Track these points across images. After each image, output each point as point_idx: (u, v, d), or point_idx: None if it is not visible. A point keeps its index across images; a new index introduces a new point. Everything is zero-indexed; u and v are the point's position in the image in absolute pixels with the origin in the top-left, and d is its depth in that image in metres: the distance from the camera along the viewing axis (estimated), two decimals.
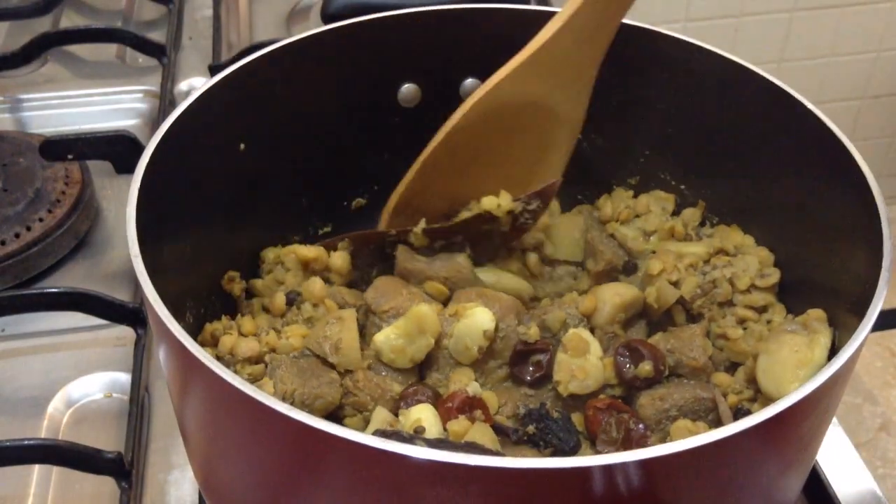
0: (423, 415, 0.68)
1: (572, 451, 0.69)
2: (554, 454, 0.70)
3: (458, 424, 0.68)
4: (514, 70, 0.76)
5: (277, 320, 0.80)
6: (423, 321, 0.73)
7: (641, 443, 0.70)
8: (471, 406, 0.70)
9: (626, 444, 0.70)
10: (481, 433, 0.68)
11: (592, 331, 0.78)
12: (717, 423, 0.72)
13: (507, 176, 0.82)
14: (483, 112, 0.77)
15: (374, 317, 0.78)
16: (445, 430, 0.68)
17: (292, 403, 0.69)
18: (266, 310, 0.82)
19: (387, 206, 0.84)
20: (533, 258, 0.85)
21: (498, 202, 0.79)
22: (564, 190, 0.92)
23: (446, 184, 0.81)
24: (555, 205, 0.92)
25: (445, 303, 0.80)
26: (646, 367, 0.73)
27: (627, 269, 0.85)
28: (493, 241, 0.83)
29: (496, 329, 0.75)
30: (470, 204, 0.81)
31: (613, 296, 0.79)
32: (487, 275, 0.83)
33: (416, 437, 0.64)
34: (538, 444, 0.70)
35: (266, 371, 0.73)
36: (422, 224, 0.81)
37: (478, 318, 0.74)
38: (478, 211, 0.80)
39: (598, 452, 0.70)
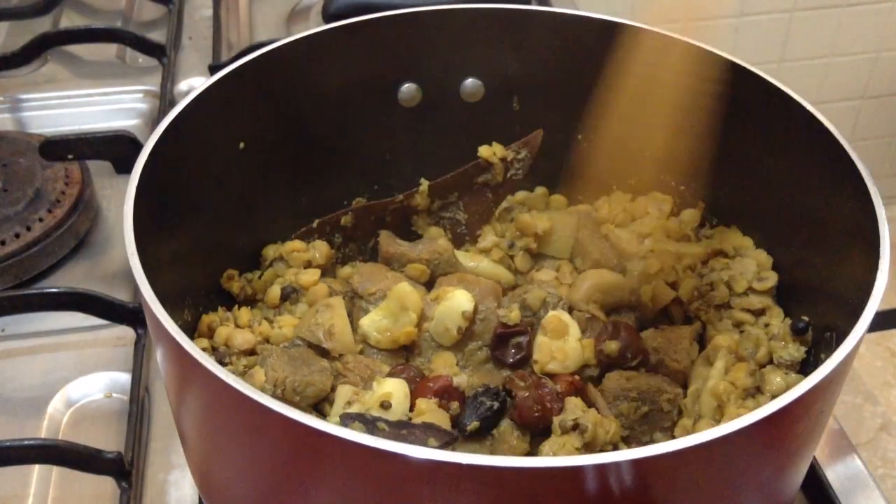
0: (394, 389, 0.69)
1: (498, 412, 0.70)
2: (482, 422, 0.70)
3: (425, 404, 0.69)
4: None
5: (270, 311, 0.81)
6: (405, 298, 0.76)
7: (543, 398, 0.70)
8: (449, 395, 0.71)
9: (539, 401, 0.70)
10: (439, 417, 0.69)
11: (571, 311, 0.78)
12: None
13: None
14: None
15: (361, 301, 0.80)
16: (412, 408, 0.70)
17: (283, 391, 0.70)
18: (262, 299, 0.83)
19: None
20: (520, 251, 0.86)
21: (493, 150, 0.88)
22: (564, 191, 0.93)
23: None
24: (561, 199, 0.93)
25: (428, 285, 0.82)
26: (611, 346, 0.74)
27: (615, 271, 0.85)
28: (486, 198, 0.90)
29: (475, 311, 0.77)
30: None
31: (594, 275, 0.81)
32: (468, 259, 0.85)
33: (378, 419, 0.65)
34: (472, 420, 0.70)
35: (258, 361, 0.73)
36: (425, 183, 0.88)
37: (457, 300, 0.76)
38: (474, 161, 0.88)
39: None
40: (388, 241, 0.85)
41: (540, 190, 0.92)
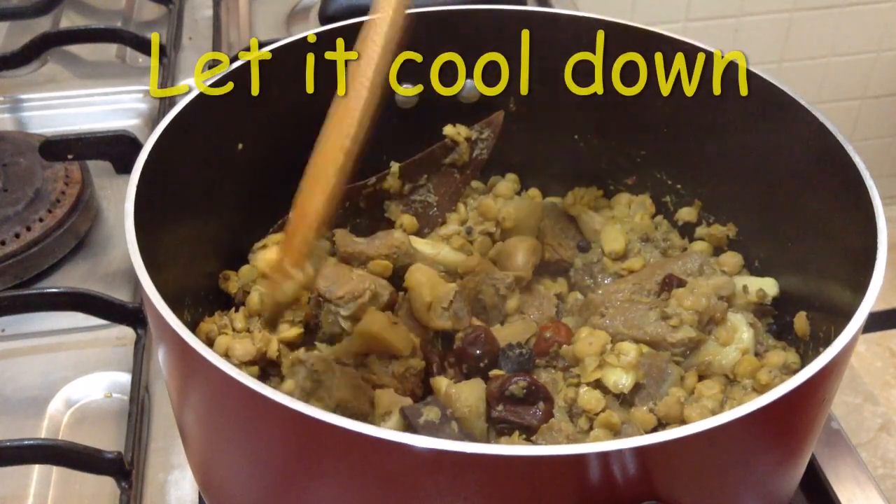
0: None
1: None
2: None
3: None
4: None
5: (256, 319, 0.80)
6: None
7: None
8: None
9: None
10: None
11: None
12: None
13: None
14: None
15: (330, 304, 0.78)
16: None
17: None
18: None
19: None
20: (479, 235, 0.87)
21: (457, 130, 0.91)
22: (563, 190, 0.93)
23: None
24: (535, 192, 0.94)
25: (390, 279, 0.81)
26: None
27: (581, 247, 0.87)
28: (454, 179, 0.92)
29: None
30: None
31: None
32: (429, 248, 0.85)
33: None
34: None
35: (300, 380, 0.72)
36: (395, 165, 0.89)
37: None
38: (441, 141, 0.90)
39: None
40: (345, 241, 0.84)
41: (511, 176, 0.94)
